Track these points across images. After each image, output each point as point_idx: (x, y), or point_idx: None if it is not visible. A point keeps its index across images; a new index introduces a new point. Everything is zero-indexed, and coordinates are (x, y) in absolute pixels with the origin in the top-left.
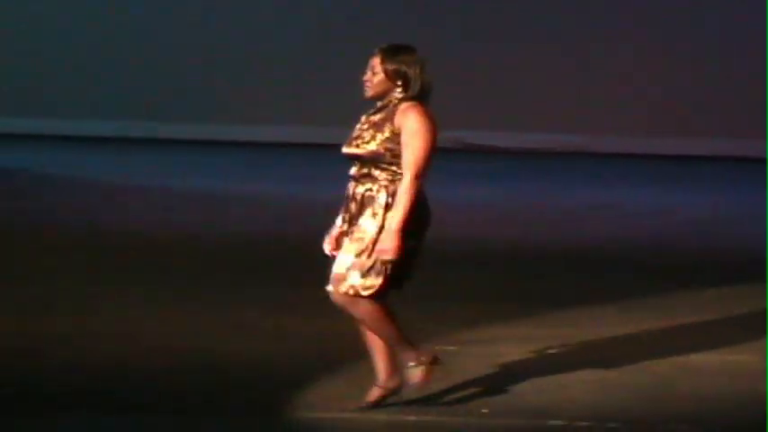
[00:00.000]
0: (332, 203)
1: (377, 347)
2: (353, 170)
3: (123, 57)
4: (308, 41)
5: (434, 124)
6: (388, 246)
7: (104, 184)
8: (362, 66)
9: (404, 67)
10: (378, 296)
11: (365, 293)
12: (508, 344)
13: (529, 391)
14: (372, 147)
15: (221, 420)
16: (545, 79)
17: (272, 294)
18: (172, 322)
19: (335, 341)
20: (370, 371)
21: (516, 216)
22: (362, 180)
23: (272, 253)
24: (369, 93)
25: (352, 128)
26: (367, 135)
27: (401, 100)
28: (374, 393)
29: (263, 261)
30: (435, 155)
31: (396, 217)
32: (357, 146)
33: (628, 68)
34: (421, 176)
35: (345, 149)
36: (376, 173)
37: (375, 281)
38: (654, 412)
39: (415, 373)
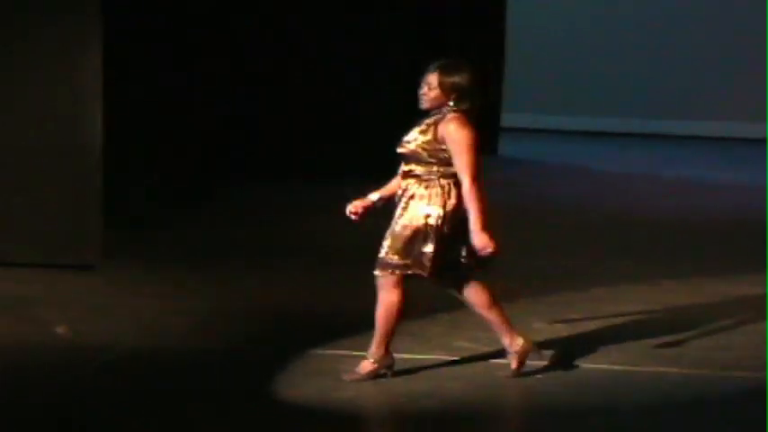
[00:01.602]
0: None
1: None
2: (402, 167)
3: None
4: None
5: (475, 131)
6: (481, 244)
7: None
8: None
9: (457, 82)
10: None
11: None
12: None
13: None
14: (412, 147)
15: None
16: None
17: None
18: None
19: None
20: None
21: None
22: (407, 176)
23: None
24: (425, 105)
25: None
26: (412, 137)
27: (451, 111)
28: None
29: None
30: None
31: (474, 219)
32: (403, 146)
33: None
34: (478, 178)
35: (397, 149)
36: (416, 169)
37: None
38: None
39: (512, 359)
